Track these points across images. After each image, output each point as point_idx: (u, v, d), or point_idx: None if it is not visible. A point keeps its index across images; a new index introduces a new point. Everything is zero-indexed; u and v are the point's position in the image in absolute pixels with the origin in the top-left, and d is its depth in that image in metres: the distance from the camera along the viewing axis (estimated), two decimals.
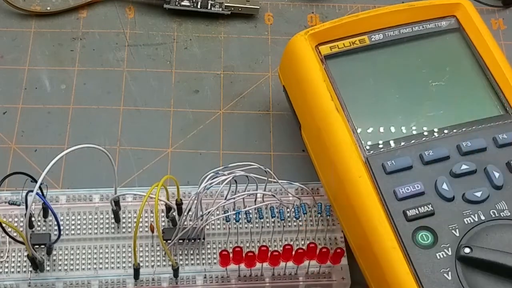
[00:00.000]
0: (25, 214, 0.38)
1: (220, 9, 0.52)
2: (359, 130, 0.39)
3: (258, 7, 0.52)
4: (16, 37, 0.51)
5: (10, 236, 0.40)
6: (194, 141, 0.47)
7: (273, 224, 0.42)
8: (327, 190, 0.41)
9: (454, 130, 0.39)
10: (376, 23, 0.42)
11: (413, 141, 0.39)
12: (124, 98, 0.49)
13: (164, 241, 0.40)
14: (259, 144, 0.47)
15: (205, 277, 0.41)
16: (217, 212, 0.42)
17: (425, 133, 0.39)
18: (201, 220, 0.40)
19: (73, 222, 0.42)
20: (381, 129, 0.40)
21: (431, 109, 0.40)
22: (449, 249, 0.36)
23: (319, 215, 0.42)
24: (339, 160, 0.39)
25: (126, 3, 0.53)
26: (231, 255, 0.39)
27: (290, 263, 0.40)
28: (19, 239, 0.39)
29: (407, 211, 0.37)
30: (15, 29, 0.51)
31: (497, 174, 0.38)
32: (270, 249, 0.40)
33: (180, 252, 0.41)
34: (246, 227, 0.42)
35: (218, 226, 0.42)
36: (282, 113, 0.48)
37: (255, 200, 0.43)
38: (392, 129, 0.40)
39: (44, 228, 0.41)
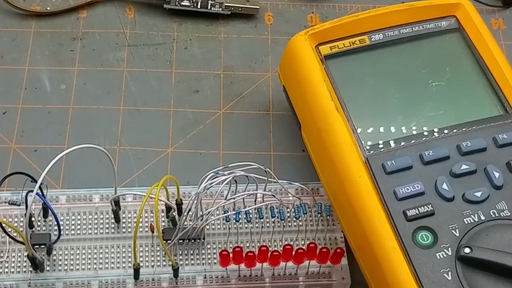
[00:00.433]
0: (25, 214, 0.38)
1: (220, 9, 0.52)
2: (359, 130, 0.39)
3: (258, 7, 0.52)
4: (16, 37, 0.51)
5: (10, 236, 0.40)
6: (194, 141, 0.47)
7: (273, 224, 0.42)
8: (327, 190, 0.41)
9: (454, 130, 0.39)
10: (376, 23, 0.42)
11: (413, 141, 0.39)
12: (124, 98, 0.49)
13: (164, 241, 0.40)
14: (259, 144, 0.47)
15: (205, 277, 0.41)
16: (217, 212, 0.42)
17: (425, 133, 0.39)
18: (201, 220, 0.40)
19: (73, 222, 0.42)
20: (381, 129, 0.40)
21: (431, 109, 0.40)
22: (449, 249, 0.36)
23: (319, 215, 0.42)
24: (339, 160, 0.39)
25: (126, 3, 0.53)
26: (231, 255, 0.39)
27: (290, 263, 0.40)
28: (19, 239, 0.39)
29: (407, 211, 0.37)
30: (15, 29, 0.51)
31: (497, 174, 0.38)
32: (270, 249, 0.40)
33: (180, 252, 0.41)
34: (246, 227, 0.42)
35: (218, 226, 0.42)
36: (282, 113, 0.48)
37: (255, 200, 0.43)
38: (392, 129, 0.40)
39: (44, 228, 0.41)
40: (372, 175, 0.38)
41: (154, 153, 0.46)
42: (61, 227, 0.41)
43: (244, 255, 0.39)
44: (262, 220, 0.42)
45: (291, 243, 0.42)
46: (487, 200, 0.37)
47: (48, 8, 0.52)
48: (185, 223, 0.41)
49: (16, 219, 0.42)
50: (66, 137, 0.47)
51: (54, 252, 0.41)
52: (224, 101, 0.49)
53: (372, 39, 0.42)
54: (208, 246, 0.42)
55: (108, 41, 0.51)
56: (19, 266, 0.40)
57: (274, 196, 0.41)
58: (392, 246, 0.36)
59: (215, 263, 0.41)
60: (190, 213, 0.40)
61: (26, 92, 0.48)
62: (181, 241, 0.41)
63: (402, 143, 0.39)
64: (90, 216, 0.42)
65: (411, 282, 0.35)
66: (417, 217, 0.36)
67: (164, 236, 0.41)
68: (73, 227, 0.41)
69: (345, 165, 0.38)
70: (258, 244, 0.41)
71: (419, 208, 0.37)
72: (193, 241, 0.41)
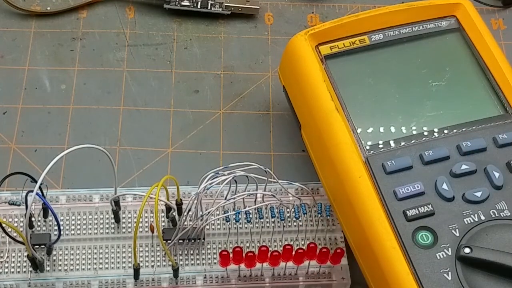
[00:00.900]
0: (25, 214, 0.38)
1: (220, 9, 0.52)
2: (359, 130, 0.39)
3: (258, 7, 0.52)
4: (16, 37, 0.51)
5: (10, 236, 0.40)
6: (194, 141, 0.47)
7: (273, 224, 0.42)
8: (327, 190, 0.41)
9: (454, 130, 0.39)
10: (376, 23, 0.42)
11: (413, 141, 0.39)
12: (124, 98, 0.49)
13: (164, 241, 0.40)
14: (259, 144, 0.47)
15: (205, 277, 0.41)
16: (217, 212, 0.42)
17: (425, 133, 0.39)
18: (201, 220, 0.40)
19: (73, 222, 0.42)
20: (381, 129, 0.40)
21: (431, 109, 0.40)
22: (449, 249, 0.36)
23: (319, 215, 0.42)
24: (339, 160, 0.39)
25: (126, 3, 0.53)
26: (231, 255, 0.39)
27: (290, 263, 0.40)
28: (19, 239, 0.39)
29: (407, 211, 0.37)
30: (15, 29, 0.51)
31: (497, 174, 0.38)
32: (270, 249, 0.40)
33: (180, 252, 0.41)
34: (246, 227, 0.42)
35: (218, 226, 0.42)
36: (282, 113, 0.48)
37: (255, 200, 0.42)
38: (392, 129, 0.40)
39: (44, 228, 0.41)
40: (372, 175, 0.38)
41: (154, 153, 0.46)
42: (61, 227, 0.41)
43: (244, 255, 0.39)
44: (262, 220, 0.42)
45: (291, 243, 0.42)
46: (487, 200, 0.37)
47: (48, 8, 0.52)
48: (185, 223, 0.41)
49: (16, 219, 0.42)
50: (66, 137, 0.47)
51: (54, 252, 0.41)
52: (224, 101, 0.49)
53: (372, 39, 0.42)
54: (208, 246, 0.42)
55: (108, 41, 0.51)
56: (19, 266, 0.40)
57: (274, 196, 0.41)
58: (392, 246, 0.36)
59: (215, 263, 0.41)
60: (190, 213, 0.40)
61: (26, 92, 0.48)
62: (181, 241, 0.41)
63: (402, 143, 0.39)
64: (90, 216, 0.42)
65: (411, 282, 0.35)
66: (417, 217, 0.36)
67: (164, 236, 0.41)
68: (73, 227, 0.41)
69: (345, 165, 0.38)
70: (258, 244, 0.41)
71: (419, 208, 0.37)
72: (193, 241, 0.41)
